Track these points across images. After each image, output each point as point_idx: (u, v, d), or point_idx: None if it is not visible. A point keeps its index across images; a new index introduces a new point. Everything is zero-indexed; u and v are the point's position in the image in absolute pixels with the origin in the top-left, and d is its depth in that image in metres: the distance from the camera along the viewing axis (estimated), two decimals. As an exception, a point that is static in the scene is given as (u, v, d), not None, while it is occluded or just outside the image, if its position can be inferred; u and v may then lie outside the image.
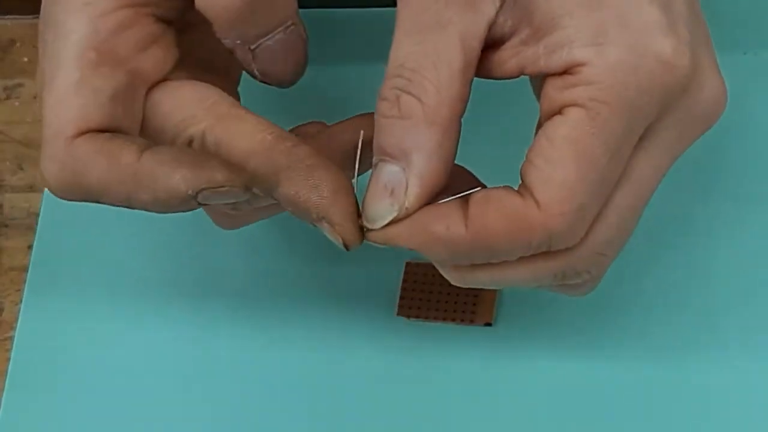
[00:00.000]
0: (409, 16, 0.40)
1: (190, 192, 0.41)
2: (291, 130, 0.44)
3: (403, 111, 0.40)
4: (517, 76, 0.41)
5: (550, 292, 0.44)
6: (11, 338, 0.55)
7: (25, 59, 0.61)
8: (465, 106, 0.40)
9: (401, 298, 0.52)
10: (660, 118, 0.40)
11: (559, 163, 0.39)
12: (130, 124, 0.43)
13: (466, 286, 0.43)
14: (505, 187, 0.40)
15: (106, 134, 0.42)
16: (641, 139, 0.40)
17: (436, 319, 0.51)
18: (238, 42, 0.42)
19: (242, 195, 0.41)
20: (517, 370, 0.50)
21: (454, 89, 0.40)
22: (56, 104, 0.42)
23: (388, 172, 0.40)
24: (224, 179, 0.41)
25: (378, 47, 0.54)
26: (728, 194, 0.52)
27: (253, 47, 0.42)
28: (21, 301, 0.55)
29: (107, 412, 0.52)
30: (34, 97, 0.60)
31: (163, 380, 0.53)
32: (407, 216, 0.40)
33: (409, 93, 0.40)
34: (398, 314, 0.52)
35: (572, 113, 0.39)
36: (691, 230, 0.52)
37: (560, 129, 0.39)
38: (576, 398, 0.49)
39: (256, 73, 0.43)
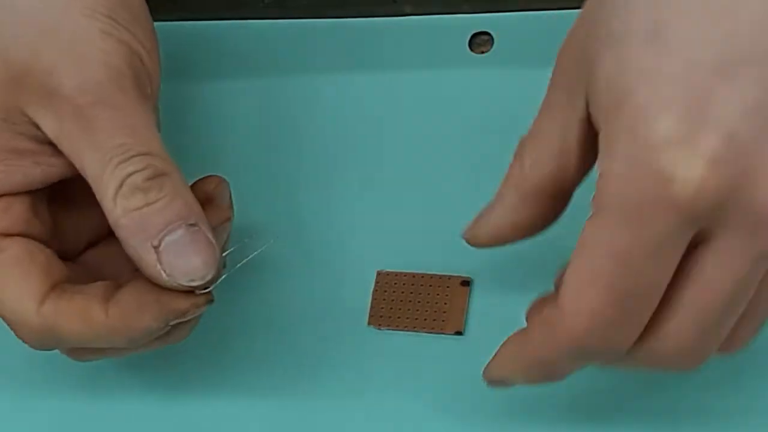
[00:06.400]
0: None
1: (162, 326, 0.45)
2: (192, 186, 0.46)
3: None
4: None
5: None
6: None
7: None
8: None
9: (372, 307, 0.52)
10: (719, 222, 0.38)
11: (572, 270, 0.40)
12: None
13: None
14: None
15: (66, 294, 0.45)
16: (708, 239, 0.39)
17: (406, 328, 0.52)
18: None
19: (204, 308, 0.45)
20: (488, 378, 0.50)
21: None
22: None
23: None
24: (188, 305, 0.44)
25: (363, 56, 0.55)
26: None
27: (155, 244, 0.43)
28: None
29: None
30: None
31: (145, 396, 0.53)
32: None
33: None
34: (369, 323, 0.52)
35: (588, 222, 0.39)
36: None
37: (582, 233, 0.40)
38: (546, 405, 0.49)
39: (164, 274, 0.44)
